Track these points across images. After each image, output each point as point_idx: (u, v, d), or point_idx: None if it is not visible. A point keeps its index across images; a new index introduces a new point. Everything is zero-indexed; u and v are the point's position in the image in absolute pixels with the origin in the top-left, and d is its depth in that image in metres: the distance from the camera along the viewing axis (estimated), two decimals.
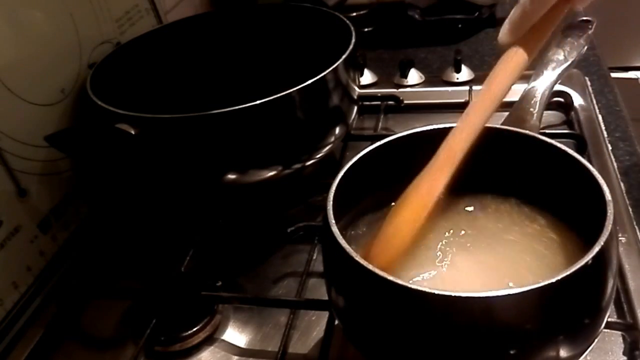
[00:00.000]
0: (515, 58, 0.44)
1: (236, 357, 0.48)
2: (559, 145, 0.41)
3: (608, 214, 0.35)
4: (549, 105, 0.58)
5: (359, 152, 0.43)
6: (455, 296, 0.31)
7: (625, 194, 0.55)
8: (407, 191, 0.41)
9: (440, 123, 0.45)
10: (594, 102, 0.69)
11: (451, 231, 0.44)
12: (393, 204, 0.43)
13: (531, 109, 0.53)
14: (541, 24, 0.44)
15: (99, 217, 0.62)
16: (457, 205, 0.47)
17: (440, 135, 0.44)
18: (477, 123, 0.42)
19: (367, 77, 0.79)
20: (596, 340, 0.36)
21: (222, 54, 0.72)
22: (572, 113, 0.68)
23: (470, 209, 0.46)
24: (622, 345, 0.43)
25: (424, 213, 0.40)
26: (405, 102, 0.72)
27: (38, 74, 0.55)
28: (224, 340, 0.49)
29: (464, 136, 0.41)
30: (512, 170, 0.45)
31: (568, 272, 0.32)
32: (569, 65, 0.57)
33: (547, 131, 0.61)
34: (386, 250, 0.40)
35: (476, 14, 0.92)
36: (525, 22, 0.43)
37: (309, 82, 0.51)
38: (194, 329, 0.48)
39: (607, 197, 0.36)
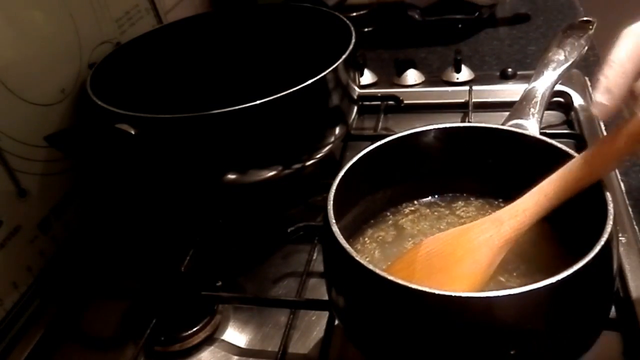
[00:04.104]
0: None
1: (236, 357, 0.48)
2: (559, 145, 0.41)
3: (608, 214, 0.35)
4: (549, 105, 0.58)
5: (359, 152, 0.43)
6: (455, 296, 0.31)
7: (625, 194, 0.55)
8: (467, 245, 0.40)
9: (440, 123, 0.45)
10: None
11: None
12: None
13: (531, 109, 0.53)
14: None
15: (99, 217, 0.62)
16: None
17: (440, 135, 0.44)
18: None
19: (367, 77, 0.79)
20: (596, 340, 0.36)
21: (222, 54, 0.72)
22: (572, 113, 0.68)
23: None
24: (622, 345, 0.43)
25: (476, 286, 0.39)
26: (405, 102, 0.72)
27: (38, 74, 0.55)
28: (224, 340, 0.49)
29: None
30: (511, 170, 0.45)
31: (568, 272, 0.32)
32: (569, 66, 0.57)
33: (547, 131, 0.61)
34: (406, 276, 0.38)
35: (476, 14, 0.92)
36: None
37: (309, 82, 0.51)
38: (194, 329, 0.48)
39: (607, 197, 0.36)
